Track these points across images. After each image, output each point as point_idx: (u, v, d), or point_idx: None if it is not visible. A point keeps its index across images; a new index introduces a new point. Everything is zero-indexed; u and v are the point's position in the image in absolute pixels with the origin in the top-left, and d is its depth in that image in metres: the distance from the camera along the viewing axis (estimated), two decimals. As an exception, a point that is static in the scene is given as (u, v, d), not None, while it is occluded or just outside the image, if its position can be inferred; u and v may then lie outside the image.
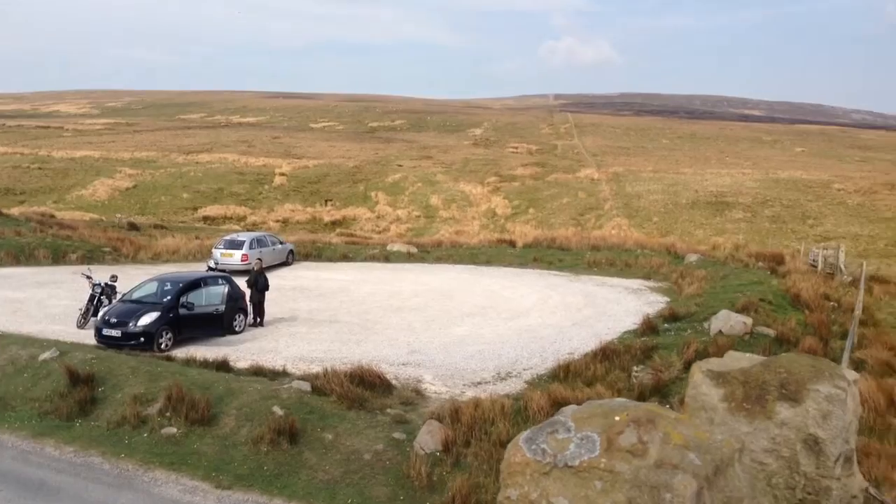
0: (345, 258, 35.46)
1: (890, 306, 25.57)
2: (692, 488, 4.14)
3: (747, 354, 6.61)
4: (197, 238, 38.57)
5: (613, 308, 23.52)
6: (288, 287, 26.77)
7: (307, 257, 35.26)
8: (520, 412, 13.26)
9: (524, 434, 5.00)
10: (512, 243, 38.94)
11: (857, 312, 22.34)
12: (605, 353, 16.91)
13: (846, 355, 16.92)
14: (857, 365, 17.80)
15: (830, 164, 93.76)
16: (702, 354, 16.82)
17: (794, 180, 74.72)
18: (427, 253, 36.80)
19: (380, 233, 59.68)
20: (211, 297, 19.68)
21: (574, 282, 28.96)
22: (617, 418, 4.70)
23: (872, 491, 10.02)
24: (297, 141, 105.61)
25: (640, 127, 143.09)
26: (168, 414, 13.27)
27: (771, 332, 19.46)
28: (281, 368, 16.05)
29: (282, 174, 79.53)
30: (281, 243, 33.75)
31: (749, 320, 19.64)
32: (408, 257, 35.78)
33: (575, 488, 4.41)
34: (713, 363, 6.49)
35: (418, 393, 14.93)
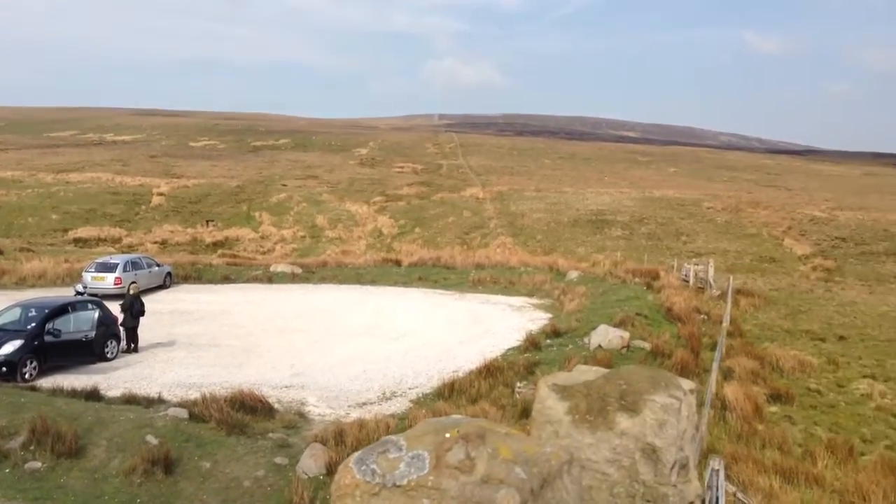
0: (226, 280, 34.51)
1: (755, 318, 26.99)
2: (515, 502, 4.21)
3: (594, 368, 6.82)
4: (66, 261, 36.65)
5: (498, 325, 23.83)
6: (165, 311, 25.79)
7: (186, 280, 34.11)
8: (404, 432, 13.17)
9: (355, 455, 4.98)
10: (398, 262, 38.94)
11: (725, 324, 23.48)
12: (490, 370, 17.09)
13: (715, 365, 17.71)
14: (726, 374, 18.70)
15: (701, 184, 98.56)
16: (582, 369, 17.30)
17: (668, 199, 78.05)
18: (312, 273, 36.30)
19: (264, 253, 58.45)
20: (80, 323, 18.71)
21: (459, 300, 29.20)
22: (447, 435, 4.74)
23: (740, 496, 10.49)
24: (175, 160, 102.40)
25: (523, 147, 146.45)
26: (32, 447, 12.45)
27: (647, 345, 20.17)
28: (156, 396, 15.38)
29: (160, 194, 76.80)
30: (158, 265, 32.51)
31: (626, 334, 20.31)
32: (292, 278, 35.18)
33: (403, 507, 4.43)
34: (559, 377, 6.66)
35: (302, 416, 14.62)
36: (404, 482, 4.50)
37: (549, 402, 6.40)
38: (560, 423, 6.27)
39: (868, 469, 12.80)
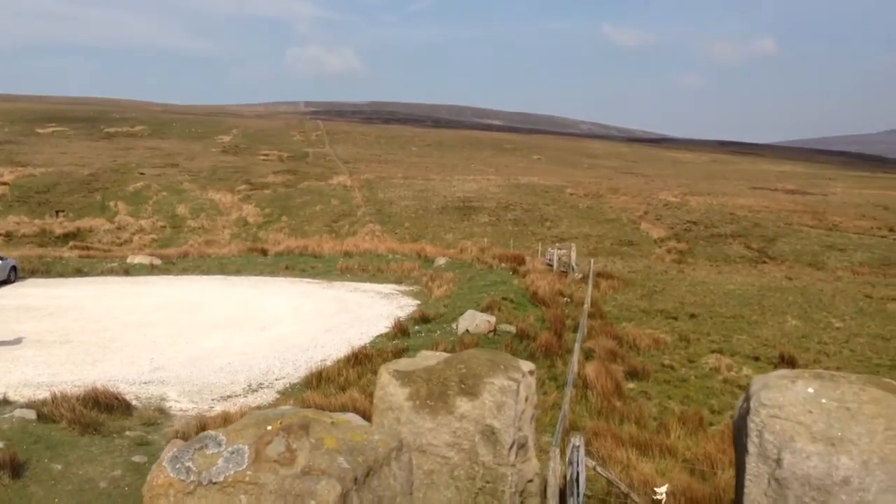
0: (79, 273, 32.67)
1: (614, 299, 28.12)
2: (336, 492, 4.18)
3: (437, 353, 6.90)
4: None
5: (366, 313, 23.72)
6: (11, 307, 24.15)
7: (34, 274, 32.06)
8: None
9: (170, 453, 4.80)
10: (264, 252, 38.09)
11: (587, 306, 24.32)
12: (358, 358, 16.97)
13: (577, 346, 18.30)
14: (588, 354, 19.36)
15: (563, 171, 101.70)
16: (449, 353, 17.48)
17: (533, 186, 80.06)
18: (172, 264, 34.93)
19: (121, 245, 55.80)
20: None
21: (327, 289, 28.88)
22: (269, 427, 4.65)
23: (599, 469, 10.88)
24: (20, 147, 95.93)
25: (390, 135, 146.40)
26: None
27: (513, 328, 20.61)
28: (1, 397, 14.37)
29: (3, 183, 71.79)
30: (1, 259, 30.38)
31: (493, 318, 20.66)
32: (151, 270, 33.72)
33: (219, 505, 4.30)
34: (401, 363, 6.71)
35: (162, 412, 14.04)
36: (221, 478, 4.33)
37: (389, 388, 6.39)
38: (401, 410, 6.28)
39: (716, 438, 13.56)
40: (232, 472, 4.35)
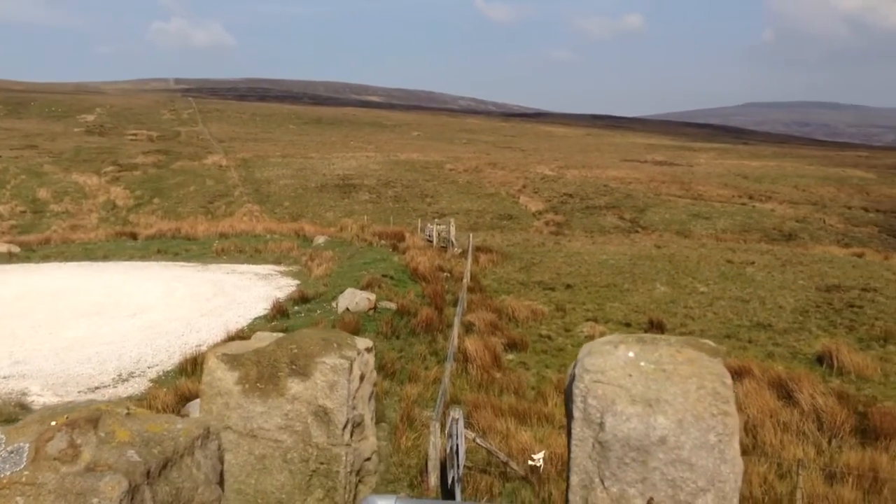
0: (-74, 264, 30.38)
1: (493, 273, 28.56)
2: (121, 488, 4.04)
3: (273, 334, 6.81)
4: None
5: (243, 295, 23.16)
6: None
7: None
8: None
9: None
10: (133, 236, 36.52)
11: (466, 280, 24.60)
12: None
13: (457, 320, 18.51)
14: (468, 328, 19.62)
15: (442, 147, 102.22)
16: (330, 333, 17.34)
17: (413, 162, 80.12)
18: (33, 252, 32.98)
19: (-24, 233, 52.21)
20: None
21: (202, 271, 28.00)
22: (53, 423, 4.43)
23: (479, 441, 11.06)
24: None
25: (266, 112, 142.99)
26: None
27: (393, 305, 20.64)
28: None
29: None
30: None
31: (373, 296, 20.63)
32: (9, 258, 31.71)
33: (-5, 509, 4.07)
34: (232, 347, 6.59)
35: (23, 407, 13.26)
36: None
37: (218, 373, 6.23)
38: (230, 394, 6.15)
39: (591, 403, 14.05)
40: (9, 473, 4.07)
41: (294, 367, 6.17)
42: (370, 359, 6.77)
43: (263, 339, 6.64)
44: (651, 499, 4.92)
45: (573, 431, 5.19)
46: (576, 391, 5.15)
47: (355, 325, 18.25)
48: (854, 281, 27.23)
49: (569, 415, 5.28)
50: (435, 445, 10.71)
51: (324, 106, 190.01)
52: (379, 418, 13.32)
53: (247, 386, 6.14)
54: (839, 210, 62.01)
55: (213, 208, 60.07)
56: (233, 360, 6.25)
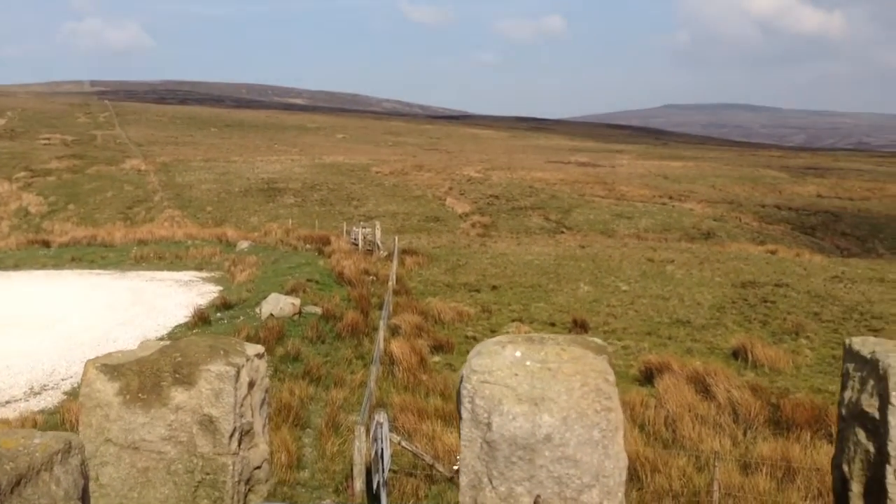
0: None
1: (419, 275, 28.56)
2: None
3: (159, 343, 6.67)
4: None
5: (163, 303, 22.61)
6: None
7: None
8: (56, 427, 12.01)
9: None
10: (46, 243, 35.26)
11: (392, 283, 24.54)
12: (154, 351, 16.16)
13: (382, 323, 18.43)
14: (394, 330, 19.56)
15: (368, 149, 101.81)
16: (253, 339, 17.04)
17: (338, 165, 79.56)
18: (-63, 263, 31.54)
19: None
20: None
21: (120, 279, 27.23)
22: None
23: (404, 444, 11.04)
24: None
25: (187, 115, 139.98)
26: None
27: (318, 309, 20.45)
28: None
29: None
30: None
31: (298, 301, 20.39)
32: (-88, 270, 30.25)
33: None
34: (113, 357, 6.42)
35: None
36: None
37: (97, 384, 6.05)
38: (110, 406, 5.98)
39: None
40: None
41: (178, 375, 6.02)
42: (261, 365, 6.65)
43: (148, 347, 6.46)
44: (538, 496, 4.98)
45: (462, 432, 5.22)
46: (463, 392, 5.18)
47: (279, 330, 18.02)
48: (768, 277, 28.20)
49: (459, 416, 5.30)
50: (360, 450, 10.65)
51: (247, 108, 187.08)
52: (304, 424, 13.18)
53: (128, 397, 5.96)
54: (754, 209, 64.19)
55: (133, 214, 58.44)
56: (113, 371, 6.06)
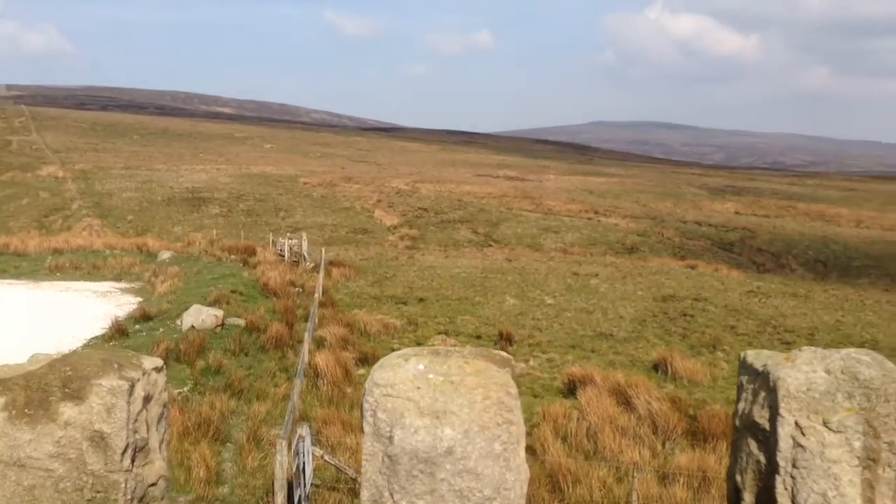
0: None
1: (346, 287, 28.38)
2: None
3: (52, 356, 6.50)
4: None
5: (79, 314, 21.89)
6: None
7: None
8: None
9: None
10: (-46, 253, 33.74)
11: (318, 295, 24.31)
12: (67, 365, 15.59)
13: (307, 336, 18.24)
14: (319, 343, 19.37)
15: (297, 160, 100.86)
16: (173, 352, 16.66)
17: (266, 175, 78.57)
18: None
19: None
20: None
21: (34, 289, 26.26)
22: None
23: (327, 458, 10.91)
24: None
25: (109, 122, 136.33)
26: None
27: (242, 321, 20.11)
28: None
29: None
30: None
31: (221, 312, 20.01)
32: None
33: None
34: (0, 371, 6.24)
35: None
36: None
37: None
38: None
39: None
40: None
41: (67, 390, 5.82)
42: (159, 379, 6.48)
43: (38, 361, 6.24)
44: None
45: (364, 446, 5.20)
46: (366, 405, 5.15)
47: (201, 343, 17.64)
48: (687, 291, 28.98)
49: (362, 430, 5.28)
50: (282, 464, 10.46)
51: (171, 116, 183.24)
52: (224, 439, 12.90)
53: (13, 412, 5.74)
54: (675, 224, 65.92)
55: (49, 223, 56.47)
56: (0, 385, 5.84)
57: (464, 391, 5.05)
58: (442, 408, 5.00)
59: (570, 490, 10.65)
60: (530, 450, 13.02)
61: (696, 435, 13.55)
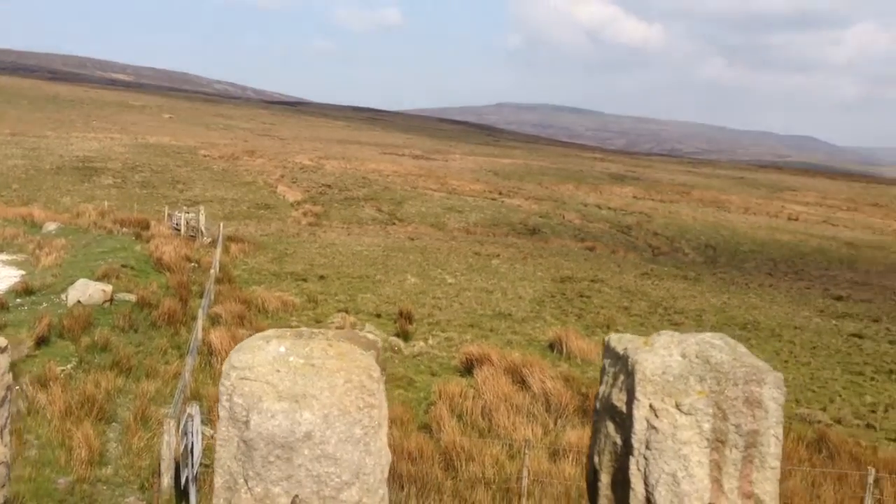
0: None
1: (245, 263, 27.78)
2: None
3: None
4: None
5: (-46, 287, 20.62)
6: None
7: None
8: None
9: None
10: None
11: (214, 271, 23.69)
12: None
13: (202, 312, 17.74)
14: (214, 320, 18.90)
15: (197, 132, 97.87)
16: (56, 327, 15.94)
17: (164, 146, 75.93)
18: None
19: None
20: None
21: None
22: None
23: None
24: None
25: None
26: None
27: (132, 297, 19.43)
28: None
29: None
30: None
31: (109, 287, 19.26)
32: None
33: None
34: None
35: None
36: None
37: None
38: None
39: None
40: None
41: None
42: (2, 359, 6.18)
43: None
44: (297, 496, 4.92)
45: (219, 432, 5.08)
46: (222, 389, 5.03)
47: (87, 318, 16.92)
48: (585, 273, 29.68)
49: (217, 415, 5.16)
50: (169, 444, 10.16)
51: (63, 82, 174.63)
52: (110, 418, 12.43)
53: None
54: (576, 207, 67.34)
55: (-77, 190, 53.04)
56: None
57: (325, 374, 4.97)
58: (302, 391, 4.91)
59: (464, 467, 10.76)
60: (426, 428, 13.09)
61: (587, 413, 13.89)
